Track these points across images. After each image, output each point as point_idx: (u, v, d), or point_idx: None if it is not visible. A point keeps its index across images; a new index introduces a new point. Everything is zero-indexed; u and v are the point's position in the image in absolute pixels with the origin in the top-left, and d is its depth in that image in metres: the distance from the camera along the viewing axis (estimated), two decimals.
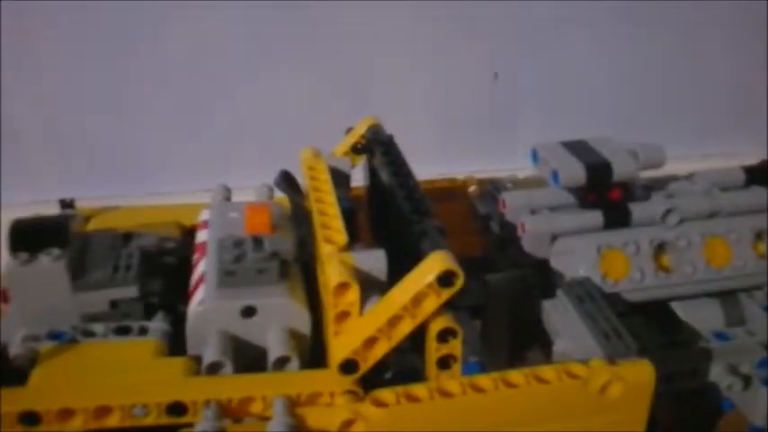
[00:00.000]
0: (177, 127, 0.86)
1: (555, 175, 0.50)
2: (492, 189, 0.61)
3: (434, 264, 0.39)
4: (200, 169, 0.88)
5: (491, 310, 0.55)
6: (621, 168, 0.50)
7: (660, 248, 0.52)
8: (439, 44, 0.86)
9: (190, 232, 0.53)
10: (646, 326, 0.49)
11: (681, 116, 0.94)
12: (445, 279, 0.39)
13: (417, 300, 0.39)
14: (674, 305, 0.54)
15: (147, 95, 0.84)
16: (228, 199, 0.62)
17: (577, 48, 0.89)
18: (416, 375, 0.43)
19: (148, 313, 0.46)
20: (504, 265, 0.55)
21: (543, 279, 0.52)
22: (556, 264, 0.51)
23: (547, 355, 0.52)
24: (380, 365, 0.41)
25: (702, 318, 0.53)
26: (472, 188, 0.64)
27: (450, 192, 0.65)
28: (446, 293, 0.40)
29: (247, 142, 0.88)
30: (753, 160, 0.59)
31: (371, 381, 0.41)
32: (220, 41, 0.82)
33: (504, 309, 0.54)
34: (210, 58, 0.83)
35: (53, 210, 0.83)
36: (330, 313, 0.40)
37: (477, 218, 0.61)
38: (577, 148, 0.52)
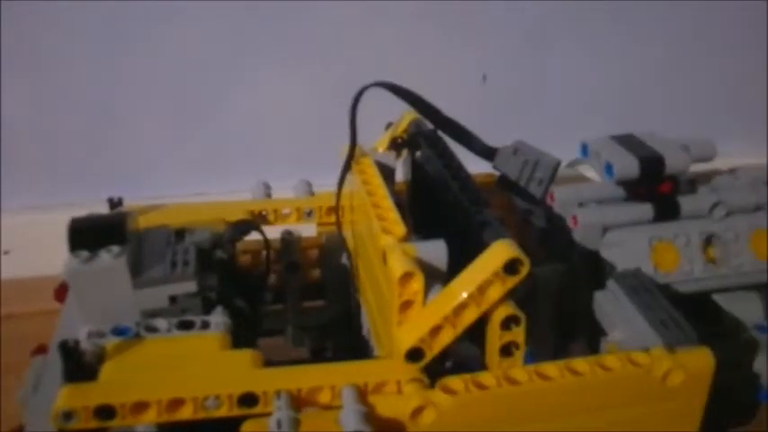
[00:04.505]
0: (173, 129, 0.86)
1: (609, 168, 0.50)
2: None
3: (500, 252, 0.39)
4: (197, 172, 0.88)
5: (537, 302, 0.55)
6: (674, 162, 0.51)
7: (707, 241, 0.53)
8: (427, 46, 0.86)
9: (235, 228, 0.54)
10: (690, 317, 0.50)
11: (676, 116, 0.94)
12: (511, 267, 0.40)
13: (483, 288, 0.40)
14: (716, 297, 0.54)
15: (142, 98, 0.84)
16: (269, 195, 0.62)
17: (567, 49, 0.89)
18: (473, 364, 0.43)
19: (206, 308, 0.46)
20: (547, 258, 0.56)
21: (593, 271, 0.52)
22: (607, 255, 0.52)
23: (591, 347, 0.53)
24: (441, 354, 0.41)
25: (743, 310, 0.53)
26: None
27: (487, 186, 0.65)
28: (511, 281, 0.40)
29: (241, 144, 0.87)
30: (751, 160, 0.60)
31: (432, 369, 0.41)
32: (215, 42, 0.82)
33: (551, 301, 0.54)
34: (205, 61, 0.83)
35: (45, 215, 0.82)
36: (394, 303, 0.40)
37: (516, 212, 0.61)
38: (629, 142, 0.52)
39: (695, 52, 0.92)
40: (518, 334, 0.41)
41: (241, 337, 0.45)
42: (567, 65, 0.91)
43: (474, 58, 0.89)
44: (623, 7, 0.89)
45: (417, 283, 0.40)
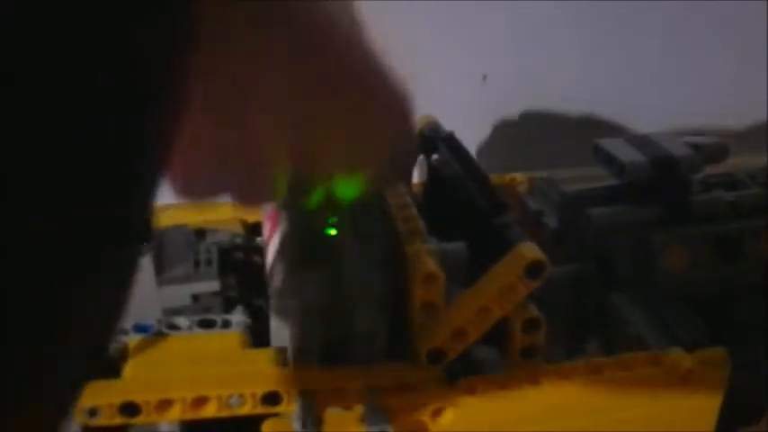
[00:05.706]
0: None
1: (620, 169, 0.50)
2: (543, 185, 0.62)
3: (523, 255, 0.40)
4: None
5: (551, 303, 0.56)
6: (686, 163, 0.51)
7: (720, 242, 0.53)
8: (427, 46, 0.86)
9: (252, 229, 0.54)
10: (704, 318, 0.50)
11: (675, 116, 0.94)
12: (534, 270, 0.40)
13: (505, 291, 0.40)
14: (729, 298, 0.54)
15: None
16: None
17: (568, 49, 0.89)
18: (492, 365, 0.43)
19: (226, 307, 0.47)
20: (559, 259, 0.56)
21: (606, 272, 0.53)
22: (619, 256, 0.52)
23: (604, 348, 0.53)
24: (461, 355, 0.42)
25: (755, 311, 0.53)
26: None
27: (498, 188, 0.65)
28: (533, 284, 0.40)
29: None
30: (750, 161, 0.60)
31: (453, 370, 0.41)
32: None
33: (564, 301, 0.55)
34: None
35: None
36: (416, 304, 0.41)
37: (528, 213, 0.62)
38: (641, 143, 0.52)
39: (695, 52, 0.93)
40: (538, 337, 0.42)
41: (259, 336, 0.45)
42: (568, 65, 0.91)
43: (474, 58, 0.89)
44: (624, 7, 0.89)
45: (440, 285, 0.40)
